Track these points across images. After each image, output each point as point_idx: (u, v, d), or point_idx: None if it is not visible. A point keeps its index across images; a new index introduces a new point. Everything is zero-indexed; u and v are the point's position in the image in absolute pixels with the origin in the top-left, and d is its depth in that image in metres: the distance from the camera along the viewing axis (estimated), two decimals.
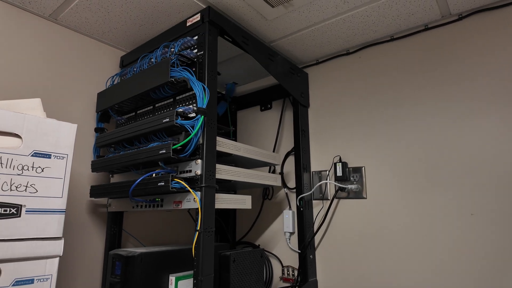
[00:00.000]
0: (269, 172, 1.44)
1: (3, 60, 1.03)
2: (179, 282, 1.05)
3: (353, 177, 1.24)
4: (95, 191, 1.08)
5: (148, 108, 1.10)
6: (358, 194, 1.23)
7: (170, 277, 1.04)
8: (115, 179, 1.16)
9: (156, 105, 1.07)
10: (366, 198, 1.21)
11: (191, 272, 1.09)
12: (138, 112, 1.14)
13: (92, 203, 1.17)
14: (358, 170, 1.24)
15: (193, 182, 0.89)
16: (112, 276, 1.03)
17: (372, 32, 1.23)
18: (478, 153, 1.02)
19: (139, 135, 0.96)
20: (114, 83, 1.20)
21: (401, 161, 1.15)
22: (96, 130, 1.17)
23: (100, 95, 1.16)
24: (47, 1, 1.05)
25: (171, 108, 1.02)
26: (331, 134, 1.34)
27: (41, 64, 1.12)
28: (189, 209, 1.37)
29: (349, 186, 1.23)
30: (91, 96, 1.23)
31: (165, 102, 1.05)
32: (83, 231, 1.14)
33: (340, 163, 1.25)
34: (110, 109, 1.13)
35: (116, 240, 1.16)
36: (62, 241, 0.71)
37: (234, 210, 1.59)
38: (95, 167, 1.08)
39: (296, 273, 1.30)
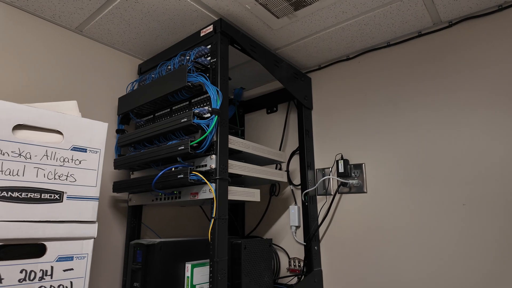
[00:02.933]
0: None
1: (37, 67, 1.15)
2: (195, 269, 1.14)
3: (354, 173, 1.34)
4: (117, 186, 1.18)
5: (166, 110, 1.21)
6: (358, 189, 1.31)
7: (187, 265, 1.14)
8: (135, 176, 1.26)
9: (173, 108, 1.18)
10: (366, 192, 1.30)
11: (205, 260, 1.18)
12: (156, 114, 1.25)
13: (113, 199, 1.28)
14: (358, 166, 1.33)
15: (208, 175, 0.99)
16: (134, 263, 1.13)
17: (370, 39, 1.33)
18: (468, 149, 1.11)
19: (159, 134, 1.07)
20: (134, 88, 1.31)
21: (398, 158, 1.24)
22: (117, 131, 1.28)
23: (121, 100, 1.28)
24: (75, 15, 1.17)
25: (186, 110, 1.13)
26: (333, 133, 1.44)
27: (68, 72, 1.23)
28: (202, 204, 1.47)
29: (351, 181, 1.32)
30: (111, 100, 1.34)
31: (181, 105, 1.15)
32: (106, 225, 1.24)
33: (342, 160, 1.34)
34: (130, 112, 1.24)
35: (135, 232, 1.26)
36: (96, 225, 0.81)
37: (243, 206, 1.68)
38: (117, 164, 1.19)
39: (302, 264, 1.39)
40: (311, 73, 1.57)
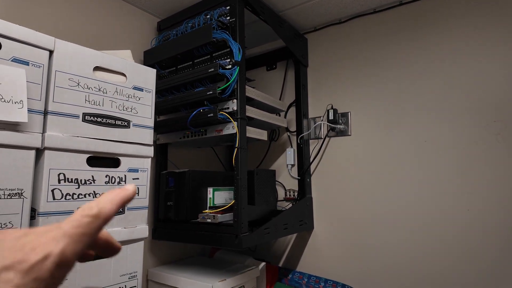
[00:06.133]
0: None
1: (75, 22, 1.32)
2: (215, 192, 1.43)
3: (341, 120, 1.63)
4: None
5: (188, 63, 1.42)
6: (344, 133, 1.62)
7: (209, 189, 1.42)
8: (161, 119, 1.50)
9: (195, 61, 1.40)
10: (350, 135, 1.60)
11: (223, 187, 1.47)
12: (178, 67, 1.46)
13: None
14: (345, 114, 1.62)
15: (231, 115, 1.24)
16: (167, 188, 1.40)
17: (359, 6, 1.57)
18: (430, 98, 1.42)
19: (189, 82, 1.29)
20: (159, 43, 1.50)
21: (377, 107, 1.54)
22: None
23: (147, 53, 1.47)
24: None
25: (208, 63, 1.35)
26: (325, 87, 1.71)
27: (96, 26, 1.40)
28: (215, 145, 1.73)
29: (338, 126, 1.61)
30: (133, 53, 1.52)
31: (203, 58, 1.37)
32: None
33: (332, 110, 1.63)
34: (157, 63, 1.44)
35: (162, 166, 1.52)
36: (152, 148, 1.06)
37: None
38: None
39: (296, 193, 1.71)
40: (307, 34, 1.80)
